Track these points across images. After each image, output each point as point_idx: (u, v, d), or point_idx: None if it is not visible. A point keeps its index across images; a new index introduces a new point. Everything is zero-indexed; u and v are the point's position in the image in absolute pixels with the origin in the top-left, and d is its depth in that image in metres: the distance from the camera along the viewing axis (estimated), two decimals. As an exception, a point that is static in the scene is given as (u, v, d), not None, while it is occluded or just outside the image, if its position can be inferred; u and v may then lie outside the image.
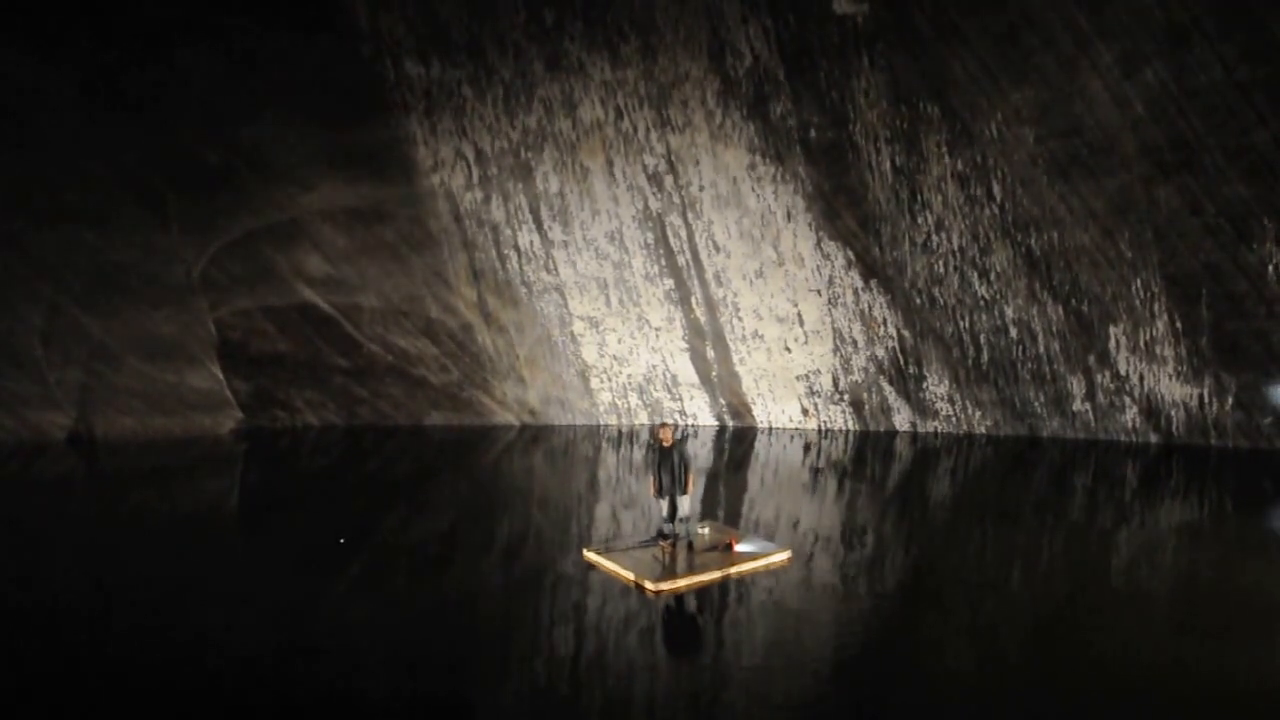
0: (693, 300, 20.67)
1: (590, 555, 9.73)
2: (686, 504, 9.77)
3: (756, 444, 19.79)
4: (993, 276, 17.79)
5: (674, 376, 21.98)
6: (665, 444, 9.72)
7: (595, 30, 17.75)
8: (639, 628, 7.67)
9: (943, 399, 19.67)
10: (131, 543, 11.30)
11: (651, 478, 9.86)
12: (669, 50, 17.80)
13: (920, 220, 17.86)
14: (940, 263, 18.14)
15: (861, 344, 19.77)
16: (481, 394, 22.81)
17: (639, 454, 18.52)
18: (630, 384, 22.32)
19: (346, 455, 19.58)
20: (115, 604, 8.52)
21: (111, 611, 8.27)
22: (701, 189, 19.31)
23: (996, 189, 16.93)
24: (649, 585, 8.56)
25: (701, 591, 8.68)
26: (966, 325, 18.51)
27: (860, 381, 20.32)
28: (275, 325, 21.47)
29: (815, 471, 16.43)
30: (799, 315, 20.00)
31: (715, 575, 8.99)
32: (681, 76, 18.12)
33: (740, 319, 20.48)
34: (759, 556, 9.49)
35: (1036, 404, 18.75)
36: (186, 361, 20.43)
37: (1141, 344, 16.87)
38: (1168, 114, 14.75)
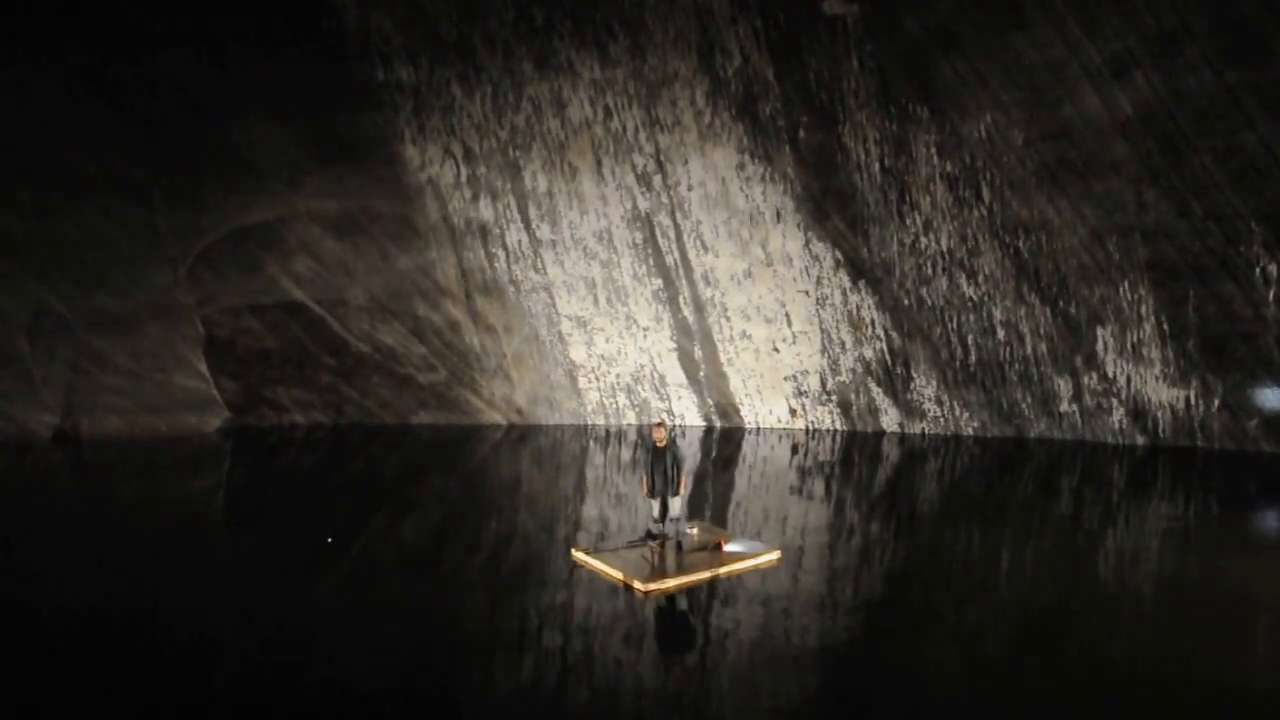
0: (681, 300, 20.65)
1: (579, 555, 9.70)
2: (678, 504, 9.75)
3: (744, 444, 19.79)
4: (981, 278, 17.83)
5: (662, 376, 21.96)
6: (659, 444, 9.69)
7: (584, 29, 17.71)
8: (628, 628, 7.65)
9: (930, 400, 19.72)
10: (117, 540, 11.20)
11: (644, 478, 9.82)
12: (658, 50, 17.77)
13: (909, 221, 17.89)
14: (929, 264, 18.18)
15: (849, 345, 19.79)
16: (469, 393, 22.73)
17: (627, 454, 18.50)
18: (618, 384, 22.28)
19: (334, 454, 19.48)
20: (101, 602, 8.43)
21: (97, 609, 8.19)
22: (690, 189, 19.29)
23: (985, 191, 16.96)
24: (638, 585, 8.54)
25: (691, 591, 8.67)
26: (954, 326, 18.55)
27: (848, 382, 20.34)
28: (262, 323, 21.33)
29: (803, 472, 16.45)
30: (787, 316, 20.01)
31: (704, 575, 8.98)
32: (671, 76, 18.09)
33: (728, 319, 20.47)
34: (748, 556, 9.48)
35: (1024, 405, 18.81)
36: (173, 360, 20.26)
37: (1129, 346, 16.94)
38: (1156, 117, 14.80)
